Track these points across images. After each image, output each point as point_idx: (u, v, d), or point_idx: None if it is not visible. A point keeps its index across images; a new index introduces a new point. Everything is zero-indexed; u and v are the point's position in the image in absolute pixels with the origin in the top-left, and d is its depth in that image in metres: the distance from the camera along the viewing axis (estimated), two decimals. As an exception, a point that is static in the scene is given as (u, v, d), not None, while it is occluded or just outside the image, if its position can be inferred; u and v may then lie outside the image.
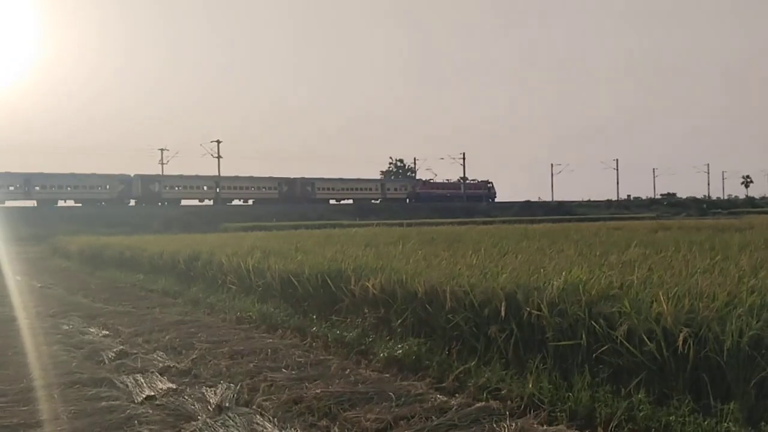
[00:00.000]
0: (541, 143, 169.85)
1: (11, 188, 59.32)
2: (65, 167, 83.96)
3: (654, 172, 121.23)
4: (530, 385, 5.32)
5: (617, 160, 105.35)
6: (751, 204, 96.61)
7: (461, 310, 6.50)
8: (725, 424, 4.30)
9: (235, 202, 72.59)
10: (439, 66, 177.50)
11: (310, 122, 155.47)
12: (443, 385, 5.87)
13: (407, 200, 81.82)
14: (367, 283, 7.81)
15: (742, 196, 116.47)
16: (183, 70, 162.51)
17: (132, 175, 66.24)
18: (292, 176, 74.93)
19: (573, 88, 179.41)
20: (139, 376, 6.53)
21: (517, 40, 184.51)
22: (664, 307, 4.97)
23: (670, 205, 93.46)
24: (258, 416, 5.24)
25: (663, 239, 12.14)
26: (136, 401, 5.84)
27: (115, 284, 15.80)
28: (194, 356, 7.38)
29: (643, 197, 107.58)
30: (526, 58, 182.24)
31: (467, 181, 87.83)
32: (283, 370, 6.63)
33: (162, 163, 74.31)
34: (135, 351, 7.86)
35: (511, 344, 5.96)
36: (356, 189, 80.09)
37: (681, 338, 4.68)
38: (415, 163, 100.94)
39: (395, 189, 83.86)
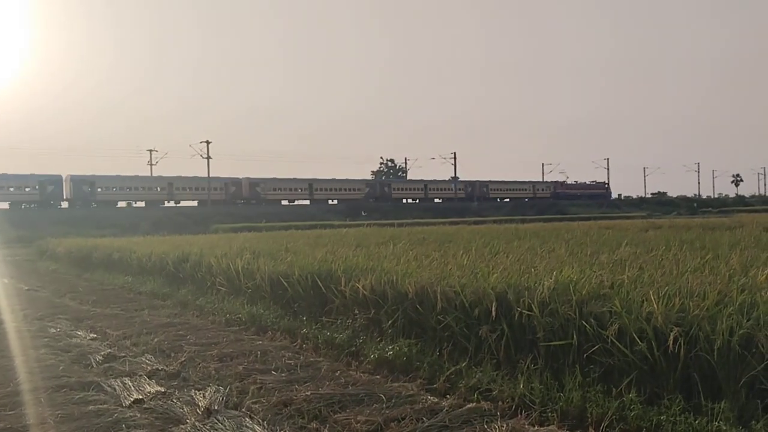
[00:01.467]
0: (532, 142, 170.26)
1: None
2: (55, 168, 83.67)
3: (644, 171, 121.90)
4: (521, 386, 5.30)
5: (608, 159, 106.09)
6: (741, 202, 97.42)
7: (452, 310, 6.48)
8: (716, 423, 4.29)
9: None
10: (426, 65, 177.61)
11: (292, 122, 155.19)
12: (434, 386, 5.84)
13: (550, 198, 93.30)
14: (357, 284, 7.77)
15: (732, 195, 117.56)
16: (170, 71, 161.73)
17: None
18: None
19: (563, 88, 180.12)
20: (127, 380, 6.47)
21: (507, 39, 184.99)
22: (655, 306, 4.97)
23: (660, 203, 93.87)
24: (247, 419, 5.20)
25: (653, 238, 12.18)
26: (124, 405, 5.77)
27: (103, 286, 15.69)
28: (183, 359, 7.33)
29: (634, 196, 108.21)
30: (515, 56, 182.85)
31: (589, 182, 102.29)
32: (273, 372, 6.58)
33: (150, 164, 73.97)
34: (123, 354, 7.79)
35: (502, 345, 5.94)
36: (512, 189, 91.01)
37: (672, 337, 4.68)
38: (405, 163, 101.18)
39: (542, 189, 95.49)
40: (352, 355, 7.07)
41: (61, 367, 7.16)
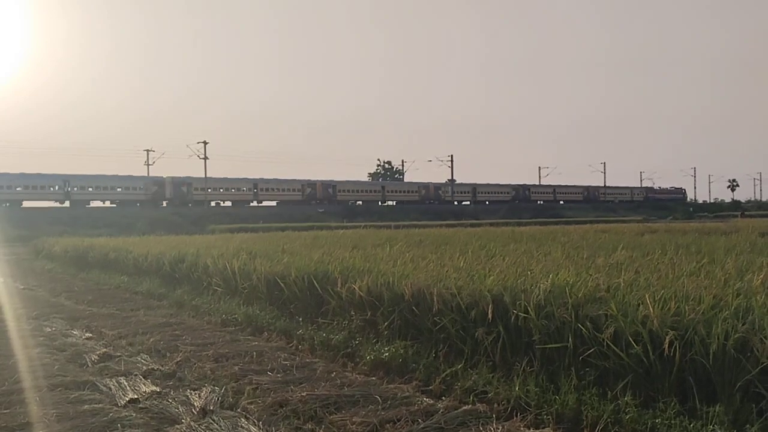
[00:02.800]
0: (529, 145, 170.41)
1: None
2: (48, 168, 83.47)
3: (641, 174, 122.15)
4: (517, 388, 5.30)
5: (604, 163, 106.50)
6: (736, 207, 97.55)
7: (448, 312, 6.48)
8: (711, 426, 4.30)
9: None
10: (422, 66, 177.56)
11: (288, 123, 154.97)
12: (430, 388, 5.85)
13: (642, 201, 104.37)
14: (353, 286, 7.77)
15: (728, 200, 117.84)
16: (168, 71, 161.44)
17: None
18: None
19: (560, 91, 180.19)
20: (122, 379, 6.46)
21: (503, 41, 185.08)
22: (651, 309, 4.98)
23: (656, 208, 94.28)
24: (243, 419, 5.19)
25: (649, 242, 12.20)
26: (119, 404, 5.77)
27: (99, 286, 15.66)
28: (179, 359, 7.32)
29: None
30: (512, 59, 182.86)
31: (670, 188, 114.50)
32: (269, 373, 6.58)
33: (147, 165, 73.93)
34: (119, 354, 7.78)
35: (498, 347, 5.95)
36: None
37: (667, 341, 4.68)
38: (402, 165, 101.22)
39: (637, 194, 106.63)
40: (348, 356, 7.07)
41: (56, 367, 7.14)
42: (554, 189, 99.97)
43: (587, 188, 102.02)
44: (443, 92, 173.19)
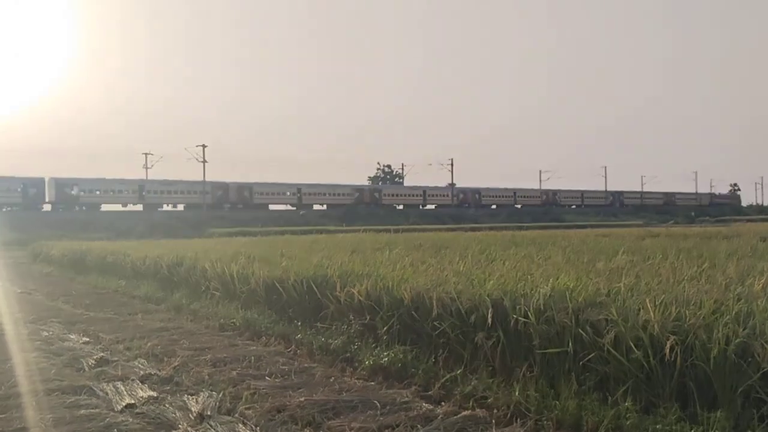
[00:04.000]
0: (529, 150, 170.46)
1: None
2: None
3: (642, 179, 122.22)
4: (517, 393, 5.27)
5: (605, 167, 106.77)
6: (738, 212, 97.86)
7: (448, 317, 6.45)
8: (712, 432, 4.27)
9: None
10: (424, 71, 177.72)
11: (289, 128, 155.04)
12: (429, 393, 5.81)
13: (708, 206, 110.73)
14: (353, 290, 7.74)
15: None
16: (165, 73, 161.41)
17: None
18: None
19: (561, 95, 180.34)
20: (119, 384, 6.42)
21: (505, 47, 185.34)
22: (651, 314, 4.94)
23: (657, 212, 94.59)
24: (240, 425, 5.17)
25: (650, 246, 12.15)
26: (115, 409, 5.72)
27: (96, 290, 15.62)
28: (176, 364, 7.27)
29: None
30: (512, 65, 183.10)
31: (728, 193, 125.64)
32: (267, 377, 6.54)
33: (146, 168, 74.09)
34: (116, 358, 7.74)
35: (497, 352, 5.91)
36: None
37: (668, 346, 4.65)
38: (402, 169, 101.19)
39: (703, 199, 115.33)
40: (346, 361, 7.03)
41: (53, 371, 7.10)
42: (620, 194, 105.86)
43: (666, 194, 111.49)
44: (443, 99, 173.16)
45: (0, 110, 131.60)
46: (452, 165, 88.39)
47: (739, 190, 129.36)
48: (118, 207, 68.20)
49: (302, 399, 5.63)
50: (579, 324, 5.33)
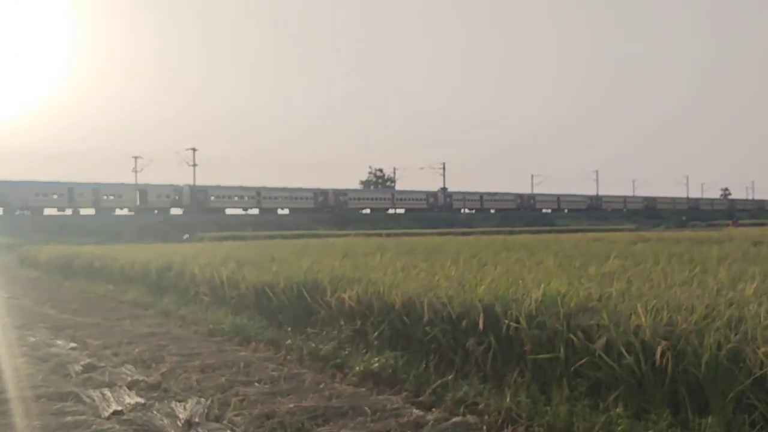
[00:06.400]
0: (521, 153, 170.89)
1: None
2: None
3: (633, 183, 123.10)
4: (508, 399, 5.23)
5: (597, 171, 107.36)
6: (730, 216, 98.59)
7: (439, 322, 6.41)
8: (704, 438, 4.25)
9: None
10: (413, 73, 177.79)
11: (270, 130, 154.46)
12: (420, 399, 5.76)
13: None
14: (343, 295, 7.69)
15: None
16: (156, 76, 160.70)
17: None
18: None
19: (551, 98, 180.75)
20: (106, 390, 6.33)
21: (487, 48, 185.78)
22: (643, 319, 4.92)
23: (649, 216, 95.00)
24: (229, 432, 5.10)
25: (642, 251, 12.17)
26: (102, 416, 5.65)
27: (84, 295, 15.50)
28: (164, 370, 7.20)
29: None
30: (500, 66, 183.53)
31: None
32: (256, 384, 6.48)
33: (135, 171, 73.88)
34: (103, 364, 7.65)
35: (489, 357, 5.87)
36: None
37: (659, 351, 4.63)
38: (394, 173, 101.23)
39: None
40: (337, 366, 6.97)
41: (39, 377, 7.01)
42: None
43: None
44: (430, 98, 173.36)
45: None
46: (444, 169, 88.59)
47: (730, 194, 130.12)
48: (239, 211, 76.26)
49: (292, 405, 5.57)
50: (570, 329, 5.30)
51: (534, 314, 5.62)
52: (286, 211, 78.47)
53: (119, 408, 5.83)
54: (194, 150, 71.35)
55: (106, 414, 5.70)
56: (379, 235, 25.55)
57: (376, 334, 7.13)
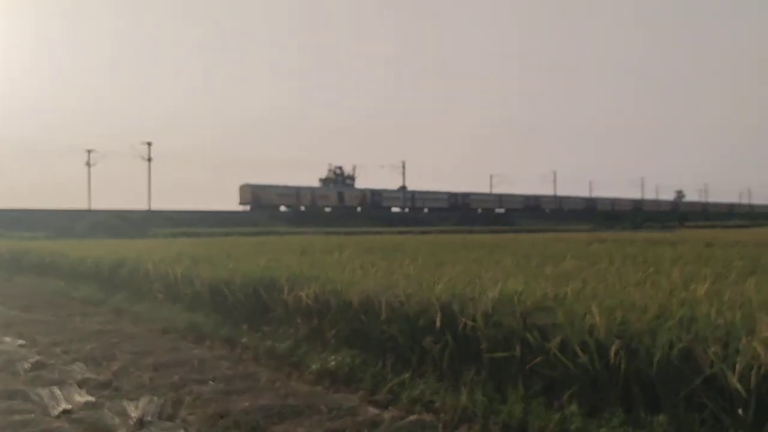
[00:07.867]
0: (477, 152, 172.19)
1: None
2: None
3: (590, 185, 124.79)
4: (464, 398, 5.24)
5: (555, 171, 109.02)
6: (683, 218, 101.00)
7: (397, 320, 6.40)
8: (655, 436, 4.32)
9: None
10: (368, 68, 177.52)
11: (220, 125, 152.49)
12: (376, 397, 5.74)
13: None
14: (300, 293, 7.63)
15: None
16: (99, 64, 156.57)
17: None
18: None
19: (505, 94, 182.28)
20: (55, 389, 6.17)
21: (449, 46, 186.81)
22: (597, 319, 4.99)
23: (605, 217, 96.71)
24: (182, 431, 5.03)
25: (598, 252, 12.36)
26: (51, 415, 5.50)
27: (34, 291, 15.07)
28: (116, 368, 7.05)
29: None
30: (471, 69, 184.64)
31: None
32: (210, 382, 6.39)
33: (89, 165, 72.19)
34: (52, 362, 7.45)
35: (446, 356, 5.89)
36: None
37: (613, 350, 4.70)
38: (354, 171, 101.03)
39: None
40: (293, 365, 6.91)
41: (-16, 376, 6.79)
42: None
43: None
44: (396, 97, 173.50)
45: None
46: (404, 167, 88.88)
47: (684, 196, 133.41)
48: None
49: (246, 404, 5.50)
50: (526, 328, 5.35)
51: (491, 313, 5.65)
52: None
53: (69, 406, 5.69)
54: (150, 144, 69.96)
55: (56, 413, 5.56)
56: (338, 233, 25.49)
57: (333, 332, 7.09)
